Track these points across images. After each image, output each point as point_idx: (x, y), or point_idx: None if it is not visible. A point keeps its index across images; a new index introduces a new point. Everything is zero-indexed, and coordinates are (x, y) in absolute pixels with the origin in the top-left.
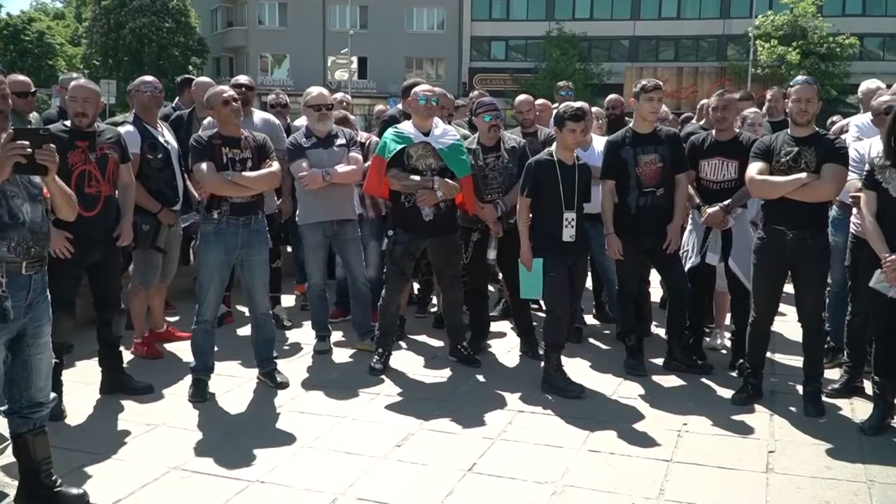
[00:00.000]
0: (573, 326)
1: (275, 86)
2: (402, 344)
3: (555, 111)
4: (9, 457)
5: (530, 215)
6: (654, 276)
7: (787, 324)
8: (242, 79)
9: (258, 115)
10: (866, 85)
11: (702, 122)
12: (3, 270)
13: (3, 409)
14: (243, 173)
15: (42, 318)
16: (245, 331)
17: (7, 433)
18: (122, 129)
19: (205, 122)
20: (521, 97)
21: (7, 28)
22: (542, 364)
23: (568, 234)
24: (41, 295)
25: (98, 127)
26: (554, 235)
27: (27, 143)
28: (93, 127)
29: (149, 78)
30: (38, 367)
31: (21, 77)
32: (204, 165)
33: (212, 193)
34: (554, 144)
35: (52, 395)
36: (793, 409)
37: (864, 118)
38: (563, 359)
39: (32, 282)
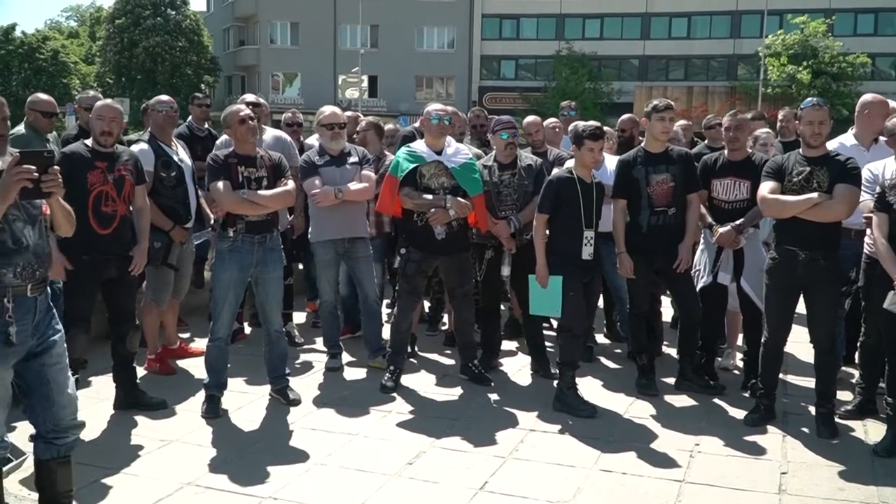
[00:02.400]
0: (585, 345)
1: (286, 104)
2: (414, 362)
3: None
4: (25, 471)
5: (547, 232)
6: (666, 296)
7: (800, 345)
8: (250, 97)
9: (269, 133)
10: (865, 98)
11: (706, 142)
12: (9, 296)
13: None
14: (259, 192)
15: (50, 333)
16: (258, 347)
17: (23, 448)
18: (136, 148)
19: (219, 140)
20: (529, 118)
21: (22, 46)
22: (556, 382)
23: (587, 252)
24: (47, 314)
25: (117, 148)
26: (573, 253)
27: (34, 167)
28: (113, 147)
29: (165, 97)
30: (56, 381)
31: (46, 97)
32: (220, 184)
33: (227, 212)
34: (572, 162)
35: (81, 419)
36: (805, 430)
37: (847, 138)
38: (576, 378)
39: (38, 303)
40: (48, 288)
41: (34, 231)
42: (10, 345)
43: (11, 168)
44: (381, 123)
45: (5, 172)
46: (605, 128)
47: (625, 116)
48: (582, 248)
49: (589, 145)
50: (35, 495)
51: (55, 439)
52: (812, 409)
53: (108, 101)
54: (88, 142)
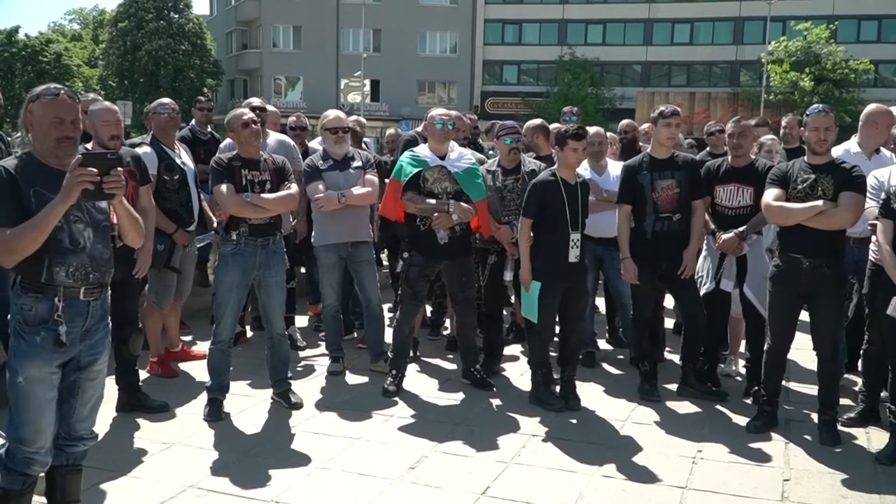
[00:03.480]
0: (585, 351)
1: (288, 108)
2: (416, 366)
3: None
4: None
5: (531, 235)
6: (669, 302)
7: (803, 352)
8: (255, 101)
9: (273, 137)
10: (869, 108)
11: (708, 149)
12: (61, 295)
13: None
14: (262, 195)
15: (99, 347)
16: (260, 351)
17: None
18: (139, 151)
19: (223, 144)
20: (528, 123)
21: (25, 49)
22: (557, 386)
23: (573, 255)
24: (100, 322)
25: (118, 149)
26: (559, 258)
27: (95, 170)
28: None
29: (166, 100)
30: (84, 395)
31: None
32: (224, 187)
33: (231, 215)
34: (556, 164)
35: (95, 432)
36: (808, 437)
37: (852, 145)
38: (577, 383)
39: (91, 308)
40: (107, 296)
41: (95, 235)
42: (61, 345)
43: (74, 170)
44: (357, 128)
45: (68, 173)
46: (609, 133)
47: (625, 121)
48: (568, 250)
49: (572, 145)
50: (38, 499)
51: (65, 446)
52: (814, 417)
53: (107, 103)
54: (89, 146)
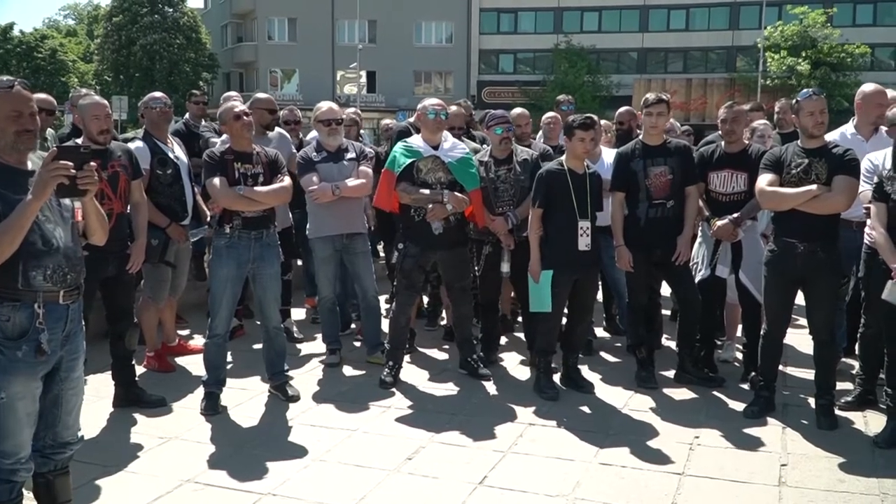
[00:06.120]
0: (584, 339)
1: (285, 101)
2: (412, 357)
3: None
4: None
5: (541, 226)
6: (666, 290)
7: (799, 336)
8: (262, 95)
9: (274, 131)
10: (864, 88)
11: (719, 132)
12: (40, 301)
13: None
14: (255, 188)
15: (78, 350)
16: (257, 344)
17: None
18: (131, 145)
19: (222, 137)
20: (516, 111)
21: (20, 45)
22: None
23: (584, 242)
24: (77, 325)
25: (110, 144)
26: (569, 246)
27: (71, 164)
28: (106, 144)
29: (158, 94)
30: (68, 404)
31: (45, 96)
32: (216, 180)
33: (224, 208)
34: (564, 155)
35: (80, 434)
36: (805, 421)
37: (847, 128)
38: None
39: (70, 312)
40: (80, 298)
41: (65, 233)
42: (42, 353)
43: (48, 164)
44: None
45: (42, 167)
46: (603, 121)
47: (622, 109)
48: (578, 238)
49: (580, 135)
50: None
51: (52, 454)
52: (812, 401)
53: (96, 97)
54: (79, 140)
